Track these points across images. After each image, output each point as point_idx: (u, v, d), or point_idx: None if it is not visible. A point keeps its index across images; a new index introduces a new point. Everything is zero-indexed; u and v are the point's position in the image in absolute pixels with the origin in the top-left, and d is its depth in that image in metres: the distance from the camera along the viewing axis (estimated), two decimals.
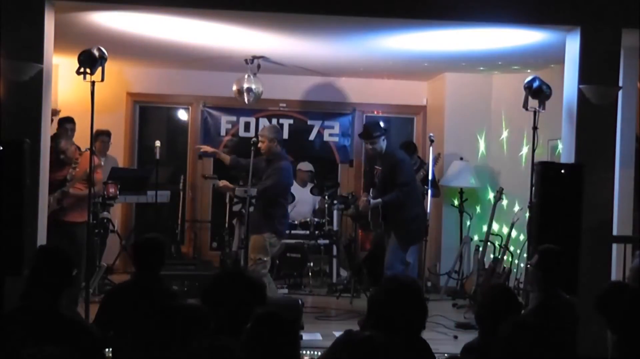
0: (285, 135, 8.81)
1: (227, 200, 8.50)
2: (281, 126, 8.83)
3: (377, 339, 2.71)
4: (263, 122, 8.85)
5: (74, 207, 6.39)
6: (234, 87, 7.61)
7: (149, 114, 9.44)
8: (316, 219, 8.04)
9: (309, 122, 8.94)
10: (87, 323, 3.34)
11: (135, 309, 3.93)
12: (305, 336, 5.13)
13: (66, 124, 7.50)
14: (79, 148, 6.79)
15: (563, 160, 5.75)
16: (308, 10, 5.49)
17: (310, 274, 8.19)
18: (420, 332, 3.34)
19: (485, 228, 7.62)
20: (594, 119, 5.53)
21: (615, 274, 5.68)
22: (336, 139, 9.02)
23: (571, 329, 4.16)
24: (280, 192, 6.57)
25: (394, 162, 6.44)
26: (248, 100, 7.59)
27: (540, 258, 4.35)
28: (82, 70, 5.27)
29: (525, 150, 7.93)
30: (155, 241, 4.29)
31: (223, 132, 8.89)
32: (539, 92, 5.64)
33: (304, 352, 5.20)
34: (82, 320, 3.35)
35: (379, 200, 6.39)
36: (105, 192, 7.07)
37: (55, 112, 7.12)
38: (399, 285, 3.37)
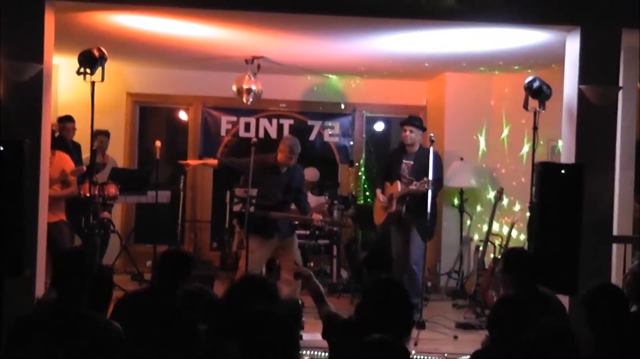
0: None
1: (227, 200, 8.51)
2: (281, 126, 8.84)
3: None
4: (263, 122, 8.86)
5: (48, 207, 6.37)
6: (234, 87, 7.61)
7: (149, 114, 9.45)
8: None
9: (309, 123, 8.94)
10: (110, 323, 3.31)
11: (145, 320, 3.87)
12: (305, 336, 5.12)
13: (66, 123, 7.50)
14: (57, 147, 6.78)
15: (563, 160, 5.75)
16: (308, 10, 5.49)
17: None
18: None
19: (485, 228, 7.62)
20: (594, 119, 5.53)
21: (615, 274, 5.68)
22: (336, 139, 9.02)
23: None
24: None
25: (435, 157, 6.68)
26: (247, 100, 7.58)
27: (505, 261, 4.38)
28: (82, 70, 5.27)
29: (525, 150, 7.93)
30: (187, 255, 4.30)
31: (223, 133, 8.89)
32: (539, 92, 5.63)
33: (304, 352, 5.19)
34: (104, 320, 3.31)
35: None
36: (104, 193, 7.08)
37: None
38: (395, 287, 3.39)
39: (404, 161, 6.88)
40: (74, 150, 7.41)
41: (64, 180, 6.53)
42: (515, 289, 4.17)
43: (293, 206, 6.74)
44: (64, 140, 7.34)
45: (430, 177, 6.70)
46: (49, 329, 3.12)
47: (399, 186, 6.79)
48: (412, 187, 6.56)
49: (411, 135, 6.84)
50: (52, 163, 6.39)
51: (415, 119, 7.08)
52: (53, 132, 6.85)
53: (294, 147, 6.45)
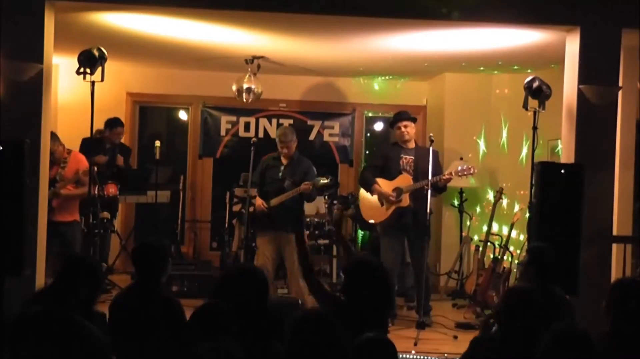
0: None
1: (227, 200, 8.51)
2: (281, 125, 8.84)
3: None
4: (263, 122, 8.86)
5: (62, 206, 6.43)
6: (234, 87, 7.61)
7: (149, 114, 9.44)
8: (316, 219, 8.03)
9: (309, 122, 8.95)
10: (96, 329, 3.28)
11: (135, 316, 3.82)
12: None
13: (118, 127, 7.62)
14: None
15: (563, 160, 5.75)
16: (308, 10, 5.50)
17: None
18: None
19: (485, 228, 7.62)
20: (594, 119, 5.53)
21: (615, 274, 5.68)
22: (336, 139, 9.03)
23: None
24: None
25: (436, 155, 6.64)
26: (247, 100, 7.58)
27: (530, 255, 4.35)
28: (82, 70, 5.28)
29: (525, 150, 7.93)
30: (158, 245, 4.06)
31: (223, 132, 8.90)
32: (539, 92, 5.64)
33: None
34: (91, 326, 3.28)
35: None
36: (104, 193, 7.10)
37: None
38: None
39: (402, 156, 6.66)
40: (123, 153, 7.62)
41: (77, 180, 6.54)
42: (533, 283, 4.15)
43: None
44: (101, 142, 7.48)
45: (430, 176, 6.70)
46: None
47: (410, 179, 6.51)
48: (447, 176, 6.42)
49: (407, 130, 6.66)
50: (67, 163, 6.45)
51: (406, 114, 6.84)
52: (98, 133, 7.10)
53: (282, 136, 6.66)
